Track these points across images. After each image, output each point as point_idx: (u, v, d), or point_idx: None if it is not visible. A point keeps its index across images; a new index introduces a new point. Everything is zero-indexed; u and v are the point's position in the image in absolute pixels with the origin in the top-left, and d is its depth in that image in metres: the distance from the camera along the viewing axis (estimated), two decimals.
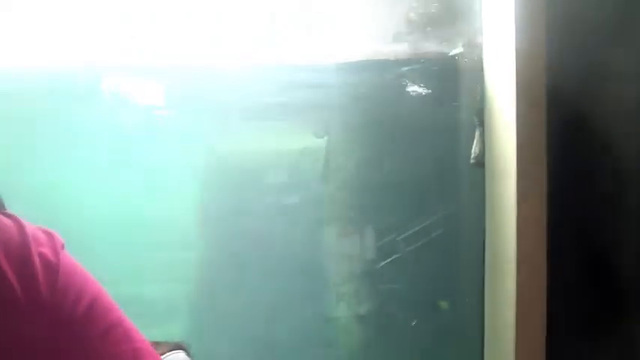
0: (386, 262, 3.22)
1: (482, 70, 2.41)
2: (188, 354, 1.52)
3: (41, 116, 4.30)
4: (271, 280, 3.61)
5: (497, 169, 2.32)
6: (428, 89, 2.79)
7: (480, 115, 2.71)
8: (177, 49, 3.32)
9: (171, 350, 1.47)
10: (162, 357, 1.41)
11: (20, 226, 0.90)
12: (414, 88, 2.80)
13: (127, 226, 4.24)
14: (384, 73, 2.83)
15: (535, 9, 2.09)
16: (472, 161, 2.72)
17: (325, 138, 3.43)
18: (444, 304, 2.97)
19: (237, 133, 4.39)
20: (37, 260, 0.86)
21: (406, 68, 2.76)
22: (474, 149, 2.71)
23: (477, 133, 2.71)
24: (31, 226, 0.93)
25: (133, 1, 3.20)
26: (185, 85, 4.12)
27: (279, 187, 3.93)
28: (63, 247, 0.93)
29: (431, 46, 2.65)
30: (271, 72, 3.52)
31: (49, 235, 0.93)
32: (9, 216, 0.92)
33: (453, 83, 2.70)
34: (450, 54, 2.67)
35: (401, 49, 2.74)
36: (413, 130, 2.99)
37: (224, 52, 3.36)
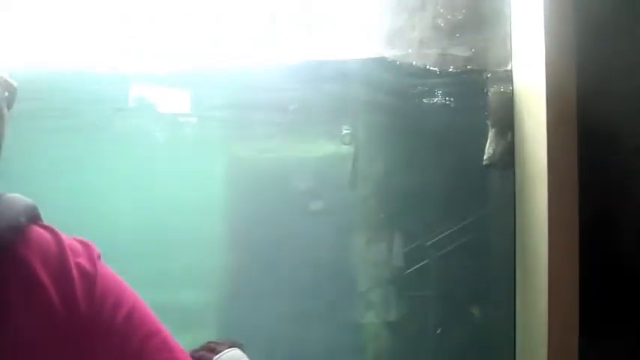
0: (415, 268, 3.21)
1: (511, 78, 2.39)
2: (244, 351, 1.59)
3: (69, 124, 4.35)
4: (299, 286, 3.61)
5: (528, 176, 2.30)
6: (456, 97, 2.78)
7: (493, 117, 2.66)
8: (201, 55, 3.33)
9: (229, 348, 1.54)
10: (220, 354, 1.49)
11: (57, 238, 0.91)
12: (442, 96, 2.79)
13: (154, 233, 4.28)
14: (411, 81, 2.82)
15: (564, 15, 2.08)
16: (485, 162, 2.67)
17: (353, 144, 3.43)
18: (475, 311, 2.95)
19: (263, 140, 4.41)
20: (74, 271, 0.87)
21: (434, 77, 2.75)
22: (487, 150, 2.67)
23: (490, 135, 2.67)
24: (68, 237, 0.94)
25: (155, 9, 3.23)
26: (210, 92, 4.15)
27: (306, 193, 3.93)
28: (99, 257, 0.93)
29: (459, 52, 2.63)
30: (298, 78, 3.53)
31: (86, 246, 0.93)
32: (46, 227, 0.93)
33: (482, 91, 2.69)
34: (479, 64, 2.66)
35: (429, 57, 2.73)
36: (441, 136, 2.98)
37: (251, 59, 3.37)
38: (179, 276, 4.15)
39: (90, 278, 0.89)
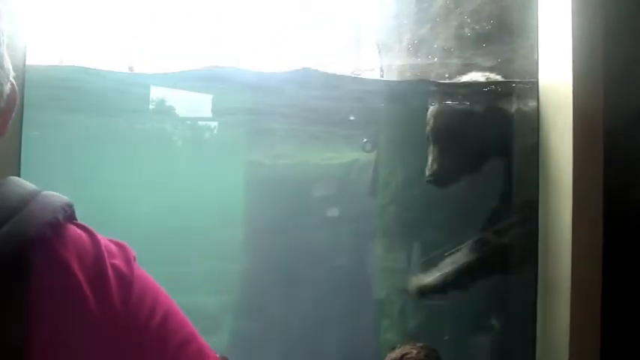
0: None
1: (537, 95, 2.38)
2: None
3: (88, 127, 4.38)
4: (317, 293, 3.60)
5: (552, 187, 2.28)
6: (479, 108, 2.77)
7: (434, 134, 2.76)
8: (222, 59, 3.34)
9: None
10: None
11: (93, 237, 0.91)
12: (465, 106, 2.79)
13: (172, 238, 4.29)
14: (434, 90, 2.81)
15: (593, 27, 2.07)
16: (428, 179, 2.77)
17: (374, 152, 3.43)
18: (494, 323, 2.93)
19: (283, 145, 4.42)
20: (110, 272, 0.87)
21: (456, 86, 2.74)
22: (428, 167, 2.76)
23: (430, 151, 2.76)
24: (103, 237, 0.94)
25: (177, 13, 3.24)
26: (230, 97, 4.16)
27: (325, 200, 3.93)
28: (135, 259, 0.93)
29: (485, 63, 2.62)
30: (319, 86, 3.53)
31: (121, 248, 0.93)
32: (81, 227, 0.92)
33: (506, 104, 2.68)
34: (504, 74, 2.65)
35: (453, 66, 2.73)
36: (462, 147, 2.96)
37: (271, 64, 3.38)
38: (196, 281, 4.16)
39: (126, 280, 0.89)
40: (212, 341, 0.92)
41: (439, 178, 2.77)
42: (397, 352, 2.21)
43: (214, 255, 4.00)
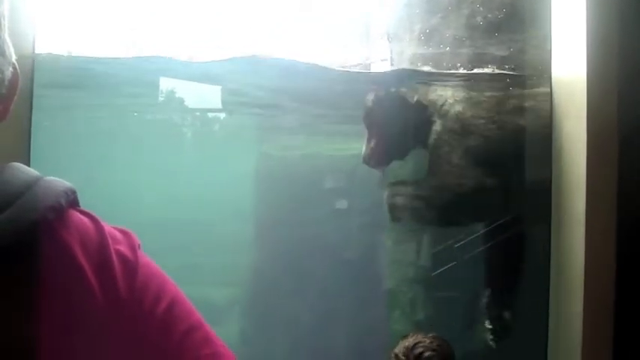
0: (443, 269, 3.18)
1: (550, 84, 2.35)
2: None
3: (98, 117, 4.38)
4: (326, 285, 3.59)
5: (565, 180, 2.26)
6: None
7: (367, 120, 3.02)
8: (234, 49, 3.33)
9: None
10: None
11: (97, 223, 0.89)
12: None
13: (181, 229, 4.29)
14: (446, 82, 2.79)
15: (607, 18, 2.04)
16: (363, 161, 3.06)
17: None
18: (506, 315, 2.91)
19: (293, 137, 4.40)
20: (115, 259, 0.85)
21: (468, 77, 2.72)
22: (365, 150, 3.04)
23: (367, 136, 3.03)
24: (107, 224, 0.92)
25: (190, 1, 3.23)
26: (241, 89, 4.15)
27: (335, 192, 3.92)
28: (139, 246, 0.91)
29: (497, 52, 2.59)
30: (329, 77, 3.51)
31: (126, 234, 0.92)
32: (85, 213, 0.91)
33: (519, 100, 2.66)
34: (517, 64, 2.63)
35: (464, 56, 2.70)
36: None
37: (285, 55, 3.37)
38: (206, 272, 4.15)
39: (130, 266, 0.87)
40: (220, 333, 0.90)
41: (369, 162, 3.06)
42: (410, 341, 2.22)
43: (223, 247, 3.99)
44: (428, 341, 2.21)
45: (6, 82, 0.84)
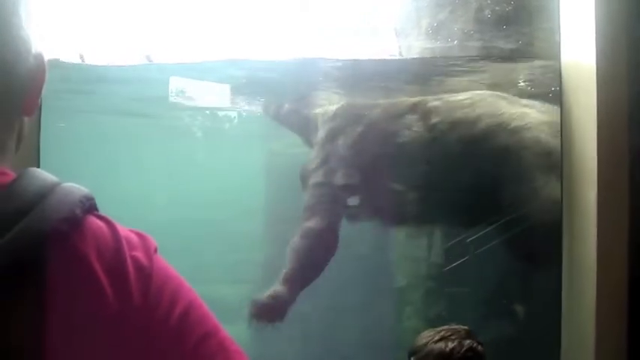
0: (456, 264, 3.18)
1: (559, 76, 2.34)
2: None
3: (110, 118, 4.39)
4: (337, 281, 3.58)
5: (576, 174, 2.24)
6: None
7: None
8: (241, 50, 3.33)
9: None
10: None
11: (113, 229, 0.89)
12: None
13: (192, 227, 4.30)
14: (455, 76, 2.79)
15: (616, 9, 2.02)
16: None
17: None
18: (518, 309, 2.91)
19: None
20: (129, 264, 0.85)
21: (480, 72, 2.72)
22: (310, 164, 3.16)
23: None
24: (124, 228, 0.91)
25: (199, 2, 3.23)
26: (250, 87, 4.15)
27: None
28: (156, 250, 0.90)
29: (505, 45, 2.59)
30: (336, 72, 3.51)
31: (142, 238, 0.90)
32: (101, 218, 0.90)
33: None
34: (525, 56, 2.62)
35: (472, 49, 2.69)
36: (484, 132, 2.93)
37: (292, 54, 3.37)
38: (217, 270, 4.16)
39: (145, 272, 0.86)
40: (232, 331, 0.90)
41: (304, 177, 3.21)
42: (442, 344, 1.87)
43: (234, 245, 3.99)
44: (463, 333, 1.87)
45: (23, 77, 0.84)
